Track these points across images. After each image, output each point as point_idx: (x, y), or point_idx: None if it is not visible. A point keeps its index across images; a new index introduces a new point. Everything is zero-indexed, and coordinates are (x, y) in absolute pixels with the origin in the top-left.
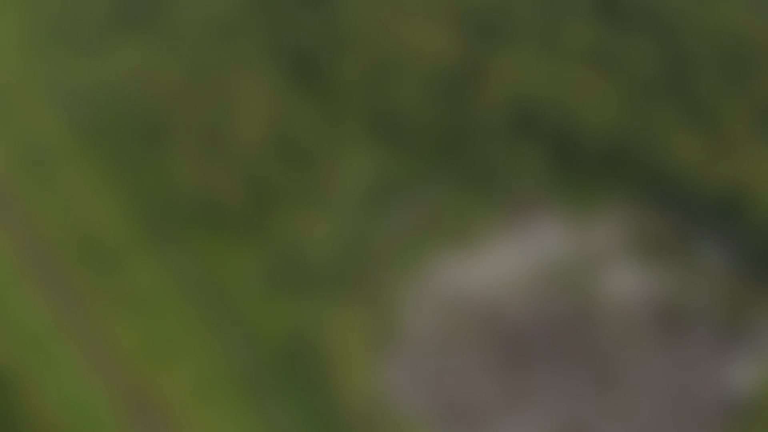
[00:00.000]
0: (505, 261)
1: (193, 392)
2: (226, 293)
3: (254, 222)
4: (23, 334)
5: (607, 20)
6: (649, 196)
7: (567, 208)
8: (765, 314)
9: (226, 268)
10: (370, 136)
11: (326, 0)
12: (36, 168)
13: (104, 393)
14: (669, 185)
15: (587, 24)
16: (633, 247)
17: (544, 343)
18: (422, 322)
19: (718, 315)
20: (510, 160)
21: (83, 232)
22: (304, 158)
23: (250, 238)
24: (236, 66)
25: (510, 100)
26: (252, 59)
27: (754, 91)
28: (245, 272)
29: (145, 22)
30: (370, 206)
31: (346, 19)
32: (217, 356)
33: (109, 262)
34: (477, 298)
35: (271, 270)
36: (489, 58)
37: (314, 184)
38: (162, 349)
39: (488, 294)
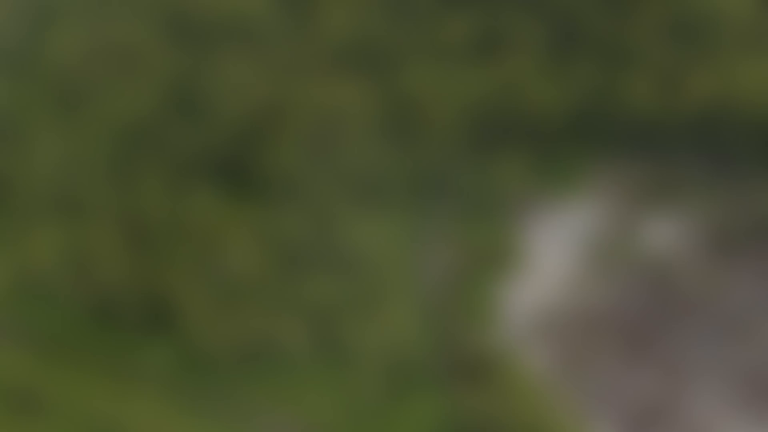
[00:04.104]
0: (544, 265)
1: None
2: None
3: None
4: None
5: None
6: (634, 148)
7: (564, 193)
8: None
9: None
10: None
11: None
12: None
13: None
14: (644, 130)
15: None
16: (650, 201)
17: (617, 326)
18: None
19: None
20: (488, 170)
21: None
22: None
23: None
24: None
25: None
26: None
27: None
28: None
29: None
30: None
31: None
32: None
33: None
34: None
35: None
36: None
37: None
38: None
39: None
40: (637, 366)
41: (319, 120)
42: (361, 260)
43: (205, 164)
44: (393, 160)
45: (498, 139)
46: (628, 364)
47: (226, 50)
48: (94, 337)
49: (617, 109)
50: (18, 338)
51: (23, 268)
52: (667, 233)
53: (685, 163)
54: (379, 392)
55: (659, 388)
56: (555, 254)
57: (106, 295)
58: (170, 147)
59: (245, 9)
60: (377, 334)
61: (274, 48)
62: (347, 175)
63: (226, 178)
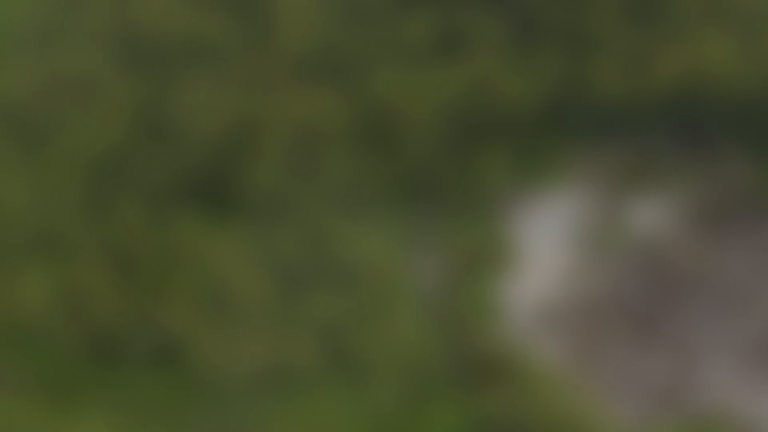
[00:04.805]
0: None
1: None
2: None
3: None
4: None
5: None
6: (611, 132)
7: (548, 184)
8: None
9: None
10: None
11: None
12: None
13: None
14: (619, 114)
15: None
16: (633, 183)
17: (621, 310)
18: None
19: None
20: (470, 169)
21: None
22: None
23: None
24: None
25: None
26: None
27: None
28: None
29: None
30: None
31: None
32: None
33: None
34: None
35: None
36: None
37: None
38: None
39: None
40: (647, 347)
41: (294, 133)
42: (359, 271)
43: (185, 188)
44: (374, 168)
45: (475, 136)
46: (638, 346)
47: (187, 71)
48: (95, 377)
49: (589, 95)
50: (14, 384)
51: (12, 312)
52: (654, 214)
53: (662, 143)
54: (397, 402)
55: (672, 367)
56: (547, 246)
57: (103, 332)
58: (146, 174)
59: (200, 28)
60: (387, 343)
61: (237, 64)
62: (331, 186)
63: (209, 201)
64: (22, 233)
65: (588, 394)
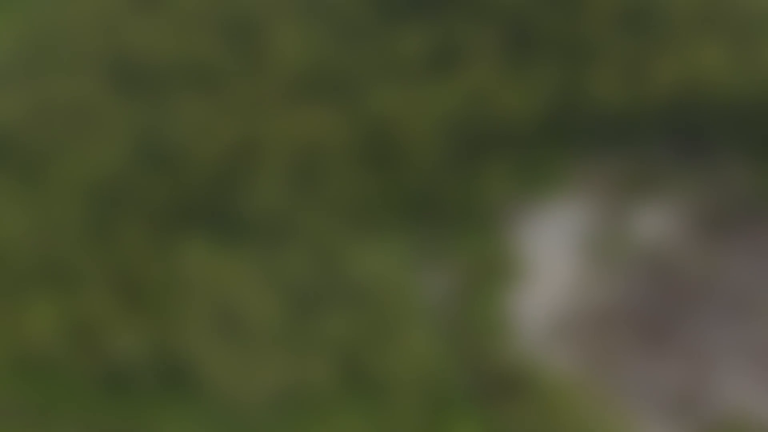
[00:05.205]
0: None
1: None
2: None
3: None
4: None
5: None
6: (610, 141)
7: (551, 195)
8: None
9: None
10: None
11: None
12: None
13: None
14: (617, 122)
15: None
16: (635, 191)
17: (631, 319)
18: None
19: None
20: (473, 183)
21: None
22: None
23: None
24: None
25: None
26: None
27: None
28: None
29: None
30: None
31: None
32: None
33: None
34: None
35: None
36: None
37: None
38: None
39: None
40: (660, 354)
41: (295, 153)
42: (369, 289)
43: (188, 212)
44: (377, 185)
45: (476, 150)
46: (651, 353)
47: (181, 95)
48: (108, 409)
49: (587, 104)
50: (25, 418)
51: (20, 346)
52: (657, 221)
53: (662, 150)
54: (416, 420)
55: (687, 373)
56: (554, 257)
57: (115, 362)
58: (148, 199)
59: (191, 51)
60: (402, 361)
61: (232, 87)
62: (335, 205)
63: (214, 224)
64: (24, 264)
65: (606, 403)
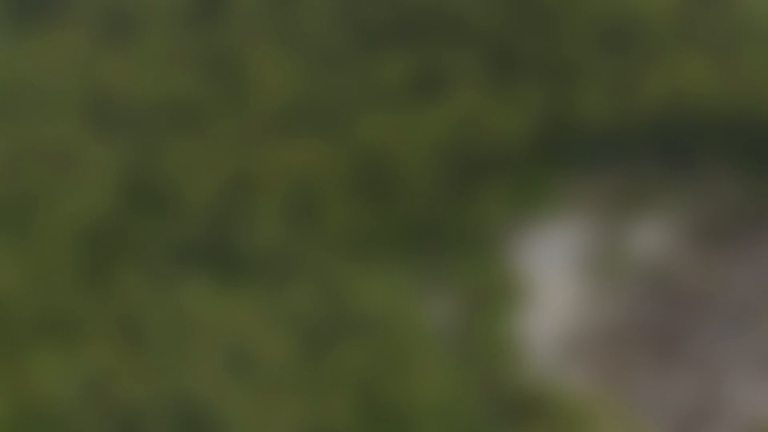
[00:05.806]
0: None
1: None
2: None
3: None
4: None
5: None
6: (603, 158)
7: (548, 215)
8: None
9: None
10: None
11: None
12: None
13: None
14: (608, 139)
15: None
16: (631, 207)
17: (639, 334)
18: None
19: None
20: (469, 207)
21: None
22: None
23: None
24: None
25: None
26: None
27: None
28: None
29: None
30: None
31: None
32: None
33: None
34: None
35: None
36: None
37: None
38: None
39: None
40: (672, 368)
41: (288, 187)
42: (378, 320)
43: (186, 253)
44: (373, 214)
45: (468, 173)
46: (663, 368)
47: (166, 132)
48: None
49: (574, 122)
50: None
51: (26, 401)
52: (654, 236)
53: (653, 164)
54: None
55: (699, 387)
56: (555, 276)
57: (128, 412)
58: (142, 242)
59: (171, 87)
60: (421, 390)
61: (217, 123)
62: (334, 237)
63: (214, 263)
64: (22, 316)
65: (623, 419)
